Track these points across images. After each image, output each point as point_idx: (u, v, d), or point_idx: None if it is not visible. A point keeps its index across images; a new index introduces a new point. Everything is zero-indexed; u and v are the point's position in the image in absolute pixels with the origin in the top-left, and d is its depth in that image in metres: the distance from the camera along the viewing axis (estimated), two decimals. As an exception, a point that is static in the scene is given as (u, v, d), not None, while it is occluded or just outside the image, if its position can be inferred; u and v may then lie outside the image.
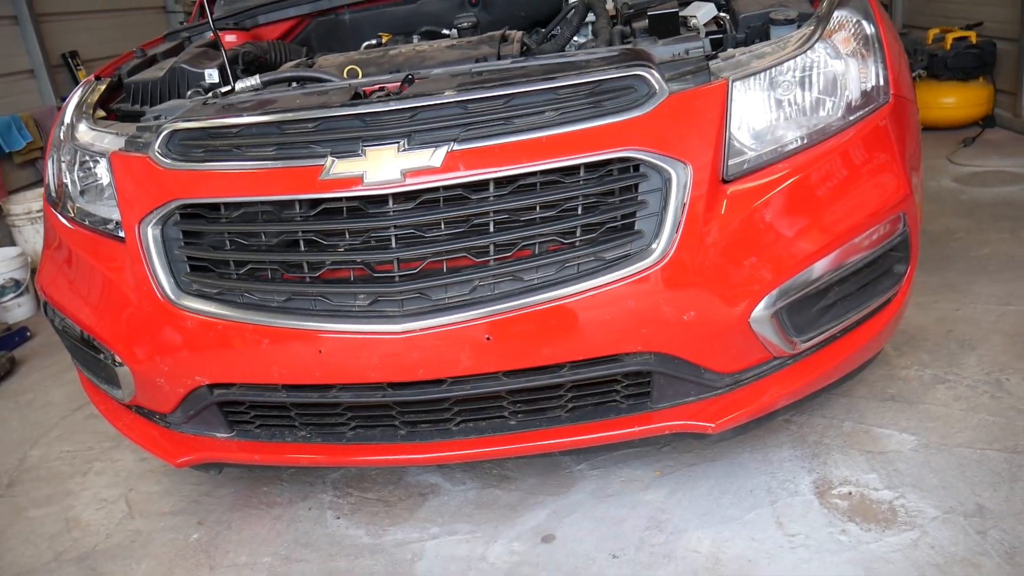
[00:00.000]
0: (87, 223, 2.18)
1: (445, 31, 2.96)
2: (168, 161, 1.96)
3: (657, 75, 1.82)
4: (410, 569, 2.10)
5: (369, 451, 2.02)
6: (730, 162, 1.84)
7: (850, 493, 2.14)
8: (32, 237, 4.81)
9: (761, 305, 1.84)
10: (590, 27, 2.64)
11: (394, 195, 1.80)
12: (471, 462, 2.44)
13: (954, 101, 5.31)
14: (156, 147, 1.98)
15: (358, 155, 1.79)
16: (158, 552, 2.30)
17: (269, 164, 1.87)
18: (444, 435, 1.98)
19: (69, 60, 6.08)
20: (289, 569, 2.16)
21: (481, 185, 1.80)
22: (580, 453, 2.38)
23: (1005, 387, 2.51)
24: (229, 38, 3.05)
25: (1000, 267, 3.34)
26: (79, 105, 2.44)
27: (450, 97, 1.82)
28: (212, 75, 2.52)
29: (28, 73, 5.67)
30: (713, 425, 1.95)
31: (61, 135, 2.34)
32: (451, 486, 2.40)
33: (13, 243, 4.87)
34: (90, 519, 2.50)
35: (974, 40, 5.28)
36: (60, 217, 2.28)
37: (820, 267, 1.89)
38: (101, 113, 2.44)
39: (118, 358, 2.06)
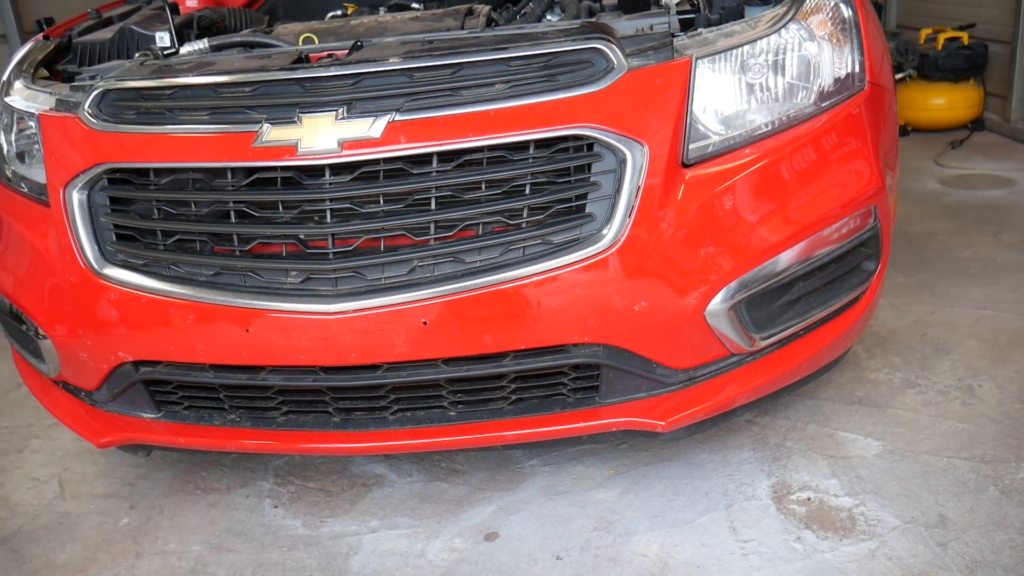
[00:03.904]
0: (23, 188, 2.06)
1: (414, 4, 2.85)
2: (97, 122, 1.84)
3: (616, 49, 1.71)
4: (344, 564, 1.99)
5: (301, 438, 1.91)
6: (691, 145, 1.74)
7: (809, 499, 2.05)
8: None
9: (718, 298, 1.73)
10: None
11: (331, 166, 1.69)
12: (418, 453, 2.33)
13: (944, 103, 5.21)
14: (86, 107, 1.87)
15: (293, 122, 1.68)
16: (85, 536, 2.18)
17: (202, 129, 1.76)
18: (380, 424, 1.88)
19: (44, 26, 5.91)
20: (218, 559, 2.05)
21: (423, 159, 1.69)
22: (531, 447, 2.28)
23: (977, 393, 2.42)
24: (190, 3, 2.94)
25: (980, 271, 3.25)
26: (19, 63, 2.32)
27: (395, 64, 1.70)
28: (163, 38, 2.40)
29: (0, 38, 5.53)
30: (663, 423, 1.85)
31: (-4, 94, 2.22)
32: (396, 477, 2.30)
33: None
34: (20, 499, 2.39)
35: (966, 41, 5.18)
36: (-7, 182, 2.17)
37: (783, 260, 1.79)
38: (44, 73, 2.32)
39: (41, 330, 1.94)
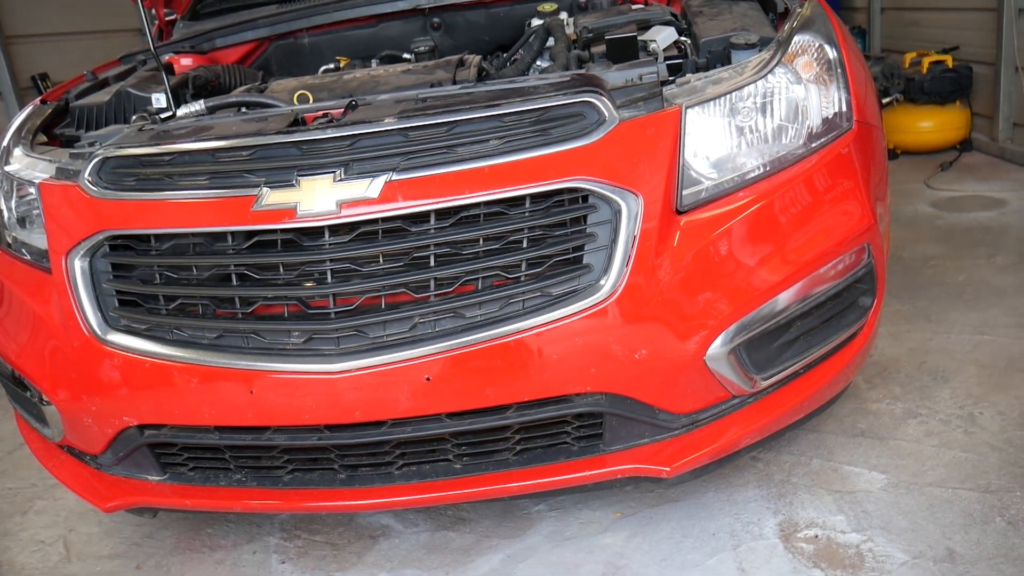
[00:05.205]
0: (23, 254, 2.08)
1: (406, 55, 2.89)
2: (98, 190, 1.86)
3: (607, 102, 1.74)
4: (354, 619, 1.99)
5: (307, 496, 1.91)
6: (684, 192, 1.76)
7: (816, 536, 2.05)
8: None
9: (717, 342, 1.75)
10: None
11: (330, 227, 1.71)
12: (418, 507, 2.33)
13: (931, 125, 5.27)
14: (86, 175, 1.89)
15: (292, 185, 1.71)
16: (92, 600, 2.18)
17: (201, 194, 1.78)
18: (386, 479, 1.88)
19: (39, 83, 5.97)
20: (228, 619, 2.05)
21: (421, 217, 1.71)
22: (536, 493, 2.28)
23: (978, 421, 2.43)
24: (185, 61, 2.96)
25: (976, 294, 3.27)
26: (18, 129, 2.34)
27: (390, 125, 1.73)
28: (159, 99, 2.42)
29: (-5, 95, 5.58)
30: (668, 469, 1.86)
31: (-3, 161, 2.25)
32: (403, 528, 2.29)
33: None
34: (25, 562, 2.38)
35: (950, 64, 5.25)
36: (-6, 247, 2.18)
37: (780, 301, 1.80)
38: (42, 138, 2.35)
39: (45, 396, 1.95)
